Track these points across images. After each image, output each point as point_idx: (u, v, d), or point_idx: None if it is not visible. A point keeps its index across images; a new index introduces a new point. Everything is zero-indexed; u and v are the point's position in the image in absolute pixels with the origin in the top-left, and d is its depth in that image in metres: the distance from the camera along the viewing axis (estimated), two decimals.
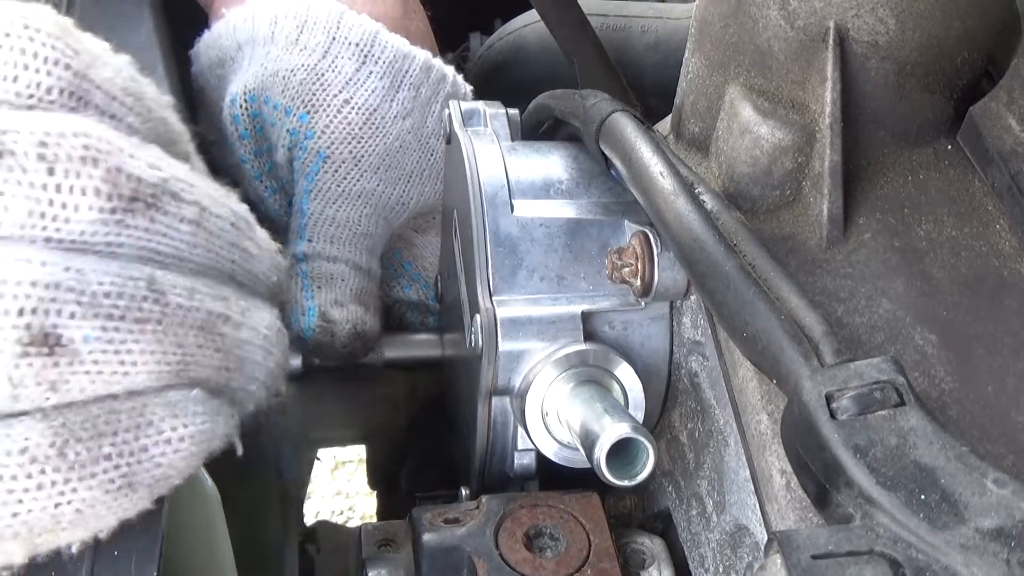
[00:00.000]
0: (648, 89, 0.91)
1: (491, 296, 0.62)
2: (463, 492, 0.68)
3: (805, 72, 0.55)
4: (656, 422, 0.66)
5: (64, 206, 0.41)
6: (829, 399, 0.44)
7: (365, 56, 0.75)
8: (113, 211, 0.42)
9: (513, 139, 0.71)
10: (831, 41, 0.54)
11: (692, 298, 0.61)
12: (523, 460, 0.65)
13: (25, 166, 0.40)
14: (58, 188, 0.40)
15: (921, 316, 0.52)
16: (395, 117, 0.76)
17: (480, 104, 0.73)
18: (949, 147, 0.58)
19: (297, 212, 0.76)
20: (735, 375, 0.54)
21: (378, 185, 0.76)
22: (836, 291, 0.53)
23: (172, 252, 0.44)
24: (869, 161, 0.57)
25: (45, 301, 0.39)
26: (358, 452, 2.72)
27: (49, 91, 0.42)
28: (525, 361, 0.61)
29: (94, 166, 0.41)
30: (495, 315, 0.61)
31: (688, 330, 0.61)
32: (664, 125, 0.69)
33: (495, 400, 0.63)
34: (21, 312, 0.39)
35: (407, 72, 0.77)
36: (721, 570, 0.57)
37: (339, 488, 2.69)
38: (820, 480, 0.44)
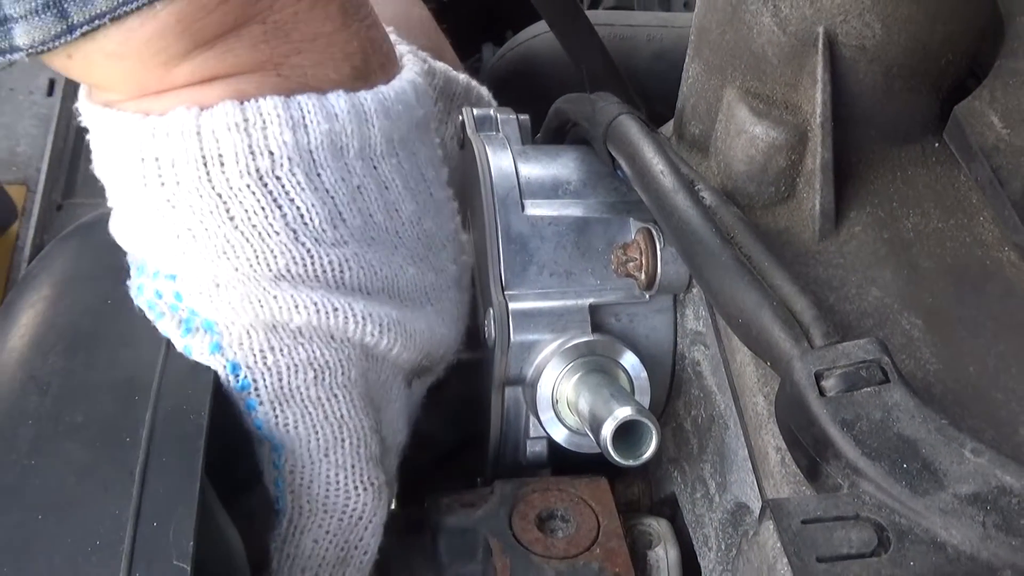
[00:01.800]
0: (653, 95, 0.94)
1: (503, 291, 0.65)
2: (478, 481, 0.71)
3: (797, 75, 0.59)
4: (662, 411, 0.69)
5: None
6: (818, 378, 0.47)
7: None
8: None
9: (524, 143, 0.74)
10: (821, 45, 0.57)
11: (694, 291, 0.64)
12: (535, 448, 0.68)
13: None
14: None
15: (908, 302, 0.55)
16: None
17: (492, 110, 0.77)
18: (935, 144, 0.61)
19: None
20: (733, 361, 0.57)
21: None
22: (828, 280, 0.56)
23: None
24: (859, 158, 0.60)
25: None
26: None
27: None
28: (536, 352, 0.64)
29: None
30: (508, 308, 0.64)
31: (690, 321, 0.65)
32: (667, 128, 0.72)
33: (508, 390, 0.66)
34: None
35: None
36: (723, 547, 0.60)
37: None
38: (811, 453, 0.47)
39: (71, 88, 0.87)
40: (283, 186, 0.51)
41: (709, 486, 0.62)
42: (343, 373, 0.55)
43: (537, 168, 0.70)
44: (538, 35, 1.02)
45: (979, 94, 0.59)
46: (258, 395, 0.54)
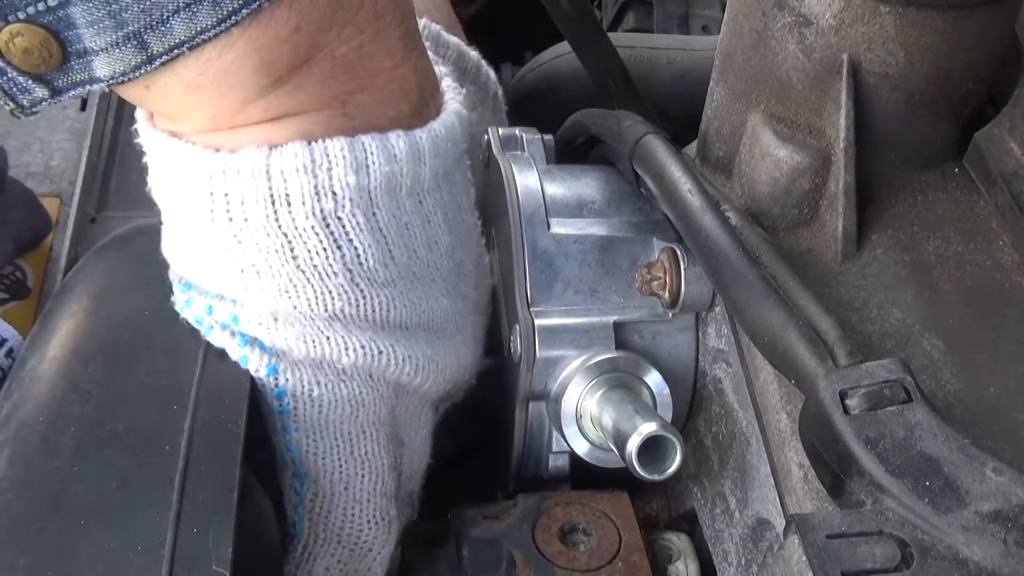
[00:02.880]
0: (673, 117, 0.96)
1: (529, 307, 0.66)
2: (499, 496, 0.72)
3: (821, 100, 0.60)
4: (682, 428, 0.70)
5: None
6: (843, 396, 0.48)
7: None
8: None
9: (548, 162, 0.76)
10: (845, 72, 0.58)
11: (716, 309, 0.65)
12: (557, 462, 0.70)
13: None
14: None
15: (929, 324, 0.56)
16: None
17: (517, 130, 0.78)
18: (956, 170, 0.62)
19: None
20: (756, 379, 0.58)
21: None
22: (850, 301, 0.58)
23: None
24: (881, 182, 0.61)
25: None
26: None
27: None
28: (560, 367, 0.65)
29: None
30: (533, 324, 0.65)
31: (712, 339, 0.66)
32: (690, 150, 0.74)
33: (532, 405, 0.68)
34: None
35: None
36: (744, 562, 0.61)
37: None
38: (835, 470, 0.48)
39: (104, 104, 0.88)
40: (344, 227, 0.52)
41: (729, 502, 0.63)
42: (375, 411, 0.57)
43: (562, 188, 0.71)
44: (559, 56, 1.04)
45: (999, 121, 0.61)
46: (296, 422, 0.55)
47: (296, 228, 0.51)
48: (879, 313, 0.57)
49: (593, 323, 0.66)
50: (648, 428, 0.56)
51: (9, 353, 0.67)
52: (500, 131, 0.78)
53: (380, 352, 0.56)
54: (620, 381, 0.64)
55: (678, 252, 0.64)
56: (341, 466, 0.57)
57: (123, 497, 0.49)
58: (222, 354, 0.55)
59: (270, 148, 0.50)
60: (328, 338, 0.54)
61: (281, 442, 0.56)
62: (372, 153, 0.51)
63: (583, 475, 0.70)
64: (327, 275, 0.53)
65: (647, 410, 0.60)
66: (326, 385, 0.55)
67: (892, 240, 0.60)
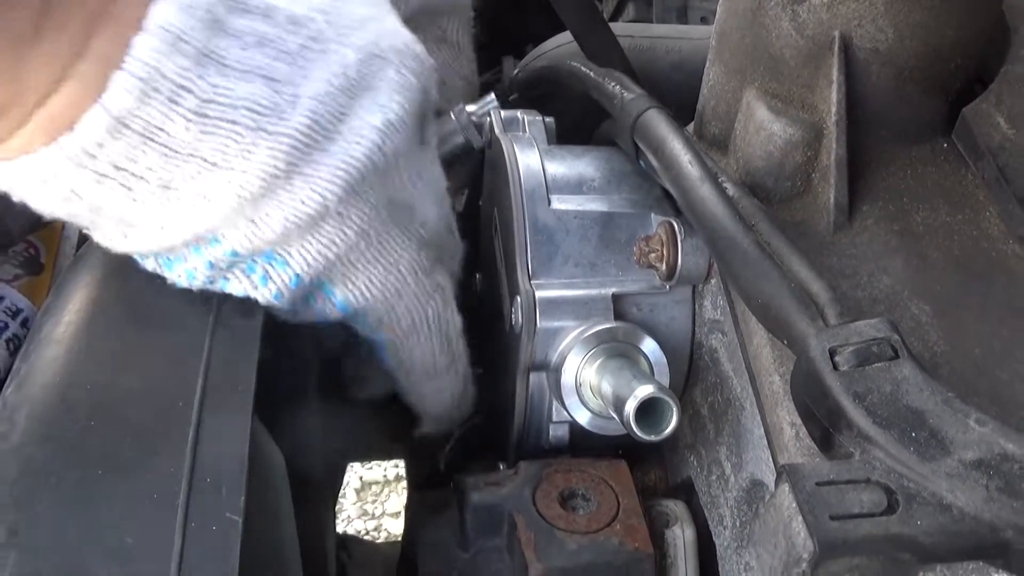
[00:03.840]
0: (671, 104, 0.97)
1: (530, 280, 0.68)
2: (501, 467, 0.74)
3: (814, 76, 0.62)
4: (680, 399, 0.72)
5: None
6: (832, 354, 0.50)
7: None
8: None
9: (549, 143, 0.78)
10: (836, 48, 0.60)
11: (712, 282, 0.67)
12: (557, 432, 0.71)
13: None
14: None
15: (917, 290, 0.58)
16: None
17: (519, 112, 0.80)
18: (945, 144, 0.64)
19: None
20: (750, 344, 0.60)
21: None
22: (842, 269, 0.59)
23: None
24: (872, 156, 0.63)
25: None
26: (384, 473, 2.78)
27: None
28: (560, 338, 0.67)
29: None
30: (534, 296, 0.67)
31: (708, 311, 0.68)
32: (687, 130, 0.76)
33: (532, 376, 0.69)
34: None
35: None
36: (739, 524, 0.63)
37: (366, 509, 2.72)
38: (824, 425, 0.50)
39: None
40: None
41: (724, 467, 0.65)
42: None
43: (563, 166, 0.73)
44: (561, 45, 1.06)
45: (986, 97, 0.63)
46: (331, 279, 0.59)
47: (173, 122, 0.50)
48: (869, 280, 0.59)
49: (592, 295, 0.68)
50: (645, 390, 0.58)
51: (24, 323, 0.69)
52: (502, 113, 0.80)
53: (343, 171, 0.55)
54: (618, 350, 0.66)
55: (675, 225, 0.66)
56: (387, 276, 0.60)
57: (138, 450, 0.51)
58: (232, 313, 0.57)
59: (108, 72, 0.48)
60: (295, 193, 0.54)
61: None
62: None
63: (583, 447, 0.71)
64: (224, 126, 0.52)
65: (644, 375, 0.62)
66: (320, 236, 0.56)
67: (882, 211, 0.62)
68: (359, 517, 2.72)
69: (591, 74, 0.75)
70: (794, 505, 0.46)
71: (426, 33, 0.73)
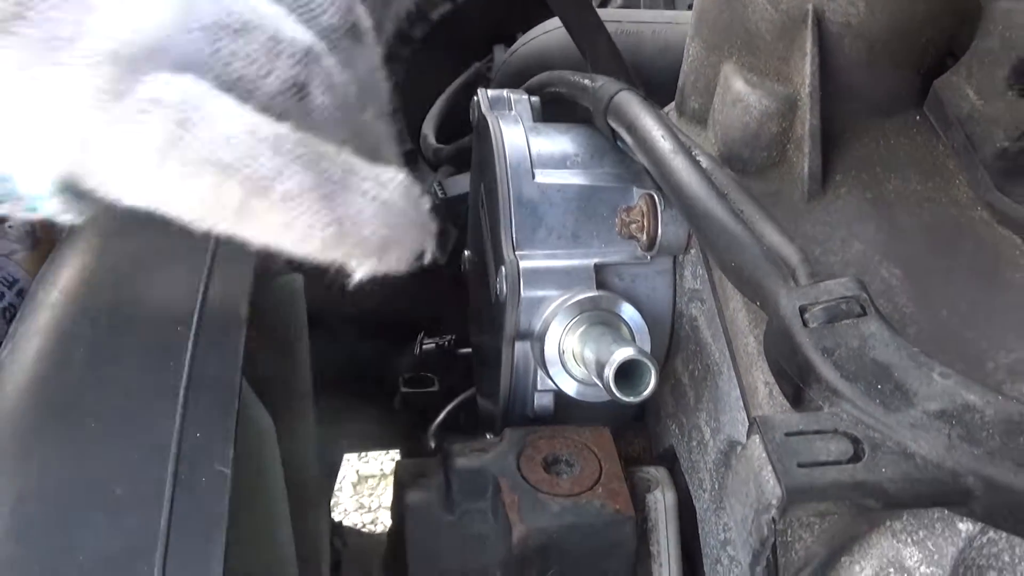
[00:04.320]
0: (656, 87, 0.99)
1: (514, 250, 0.70)
2: (488, 436, 0.76)
3: (788, 49, 0.64)
4: (662, 369, 0.73)
5: None
6: (802, 312, 0.51)
7: None
8: None
9: (535, 121, 0.79)
10: (810, 22, 0.62)
11: (692, 252, 0.69)
12: (542, 401, 0.73)
13: None
14: None
15: (887, 255, 0.59)
16: None
17: (505, 92, 0.82)
18: (917, 116, 0.66)
19: None
20: (727, 308, 0.62)
21: None
22: (815, 235, 0.61)
23: None
24: (845, 127, 0.65)
25: None
26: (381, 467, 2.79)
27: None
28: (544, 307, 0.69)
29: None
30: (518, 266, 0.69)
31: (688, 281, 0.69)
32: (668, 109, 0.78)
33: (517, 346, 0.71)
34: None
35: None
36: (717, 486, 0.65)
37: (362, 502, 2.73)
38: (795, 381, 0.52)
39: None
40: None
41: (704, 432, 0.67)
42: None
43: (547, 142, 0.75)
44: (549, 31, 1.07)
45: (956, 70, 0.64)
46: None
47: None
48: (842, 245, 0.60)
49: (575, 265, 0.70)
50: (624, 353, 0.60)
51: (19, 293, 0.71)
52: (489, 93, 0.82)
53: None
54: (600, 318, 0.67)
55: (655, 197, 0.68)
56: None
57: (131, 406, 0.52)
58: (221, 279, 0.59)
59: None
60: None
61: None
62: None
63: (567, 417, 0.73)
64: None
65: (625, 339, 0.64)
66: None
67: (855, 180, 0.63)
68: (356, 510, 2.73)
69: (564, 76, 0.77)
70: (764, 455, 0.47)
71: None
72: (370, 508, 2.73)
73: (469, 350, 0.98)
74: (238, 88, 0.48)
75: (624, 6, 1.24)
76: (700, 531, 0.67)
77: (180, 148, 0.44)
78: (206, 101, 0.45)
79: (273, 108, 0.49)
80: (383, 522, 2.63)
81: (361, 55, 0.53)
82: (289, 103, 0.49)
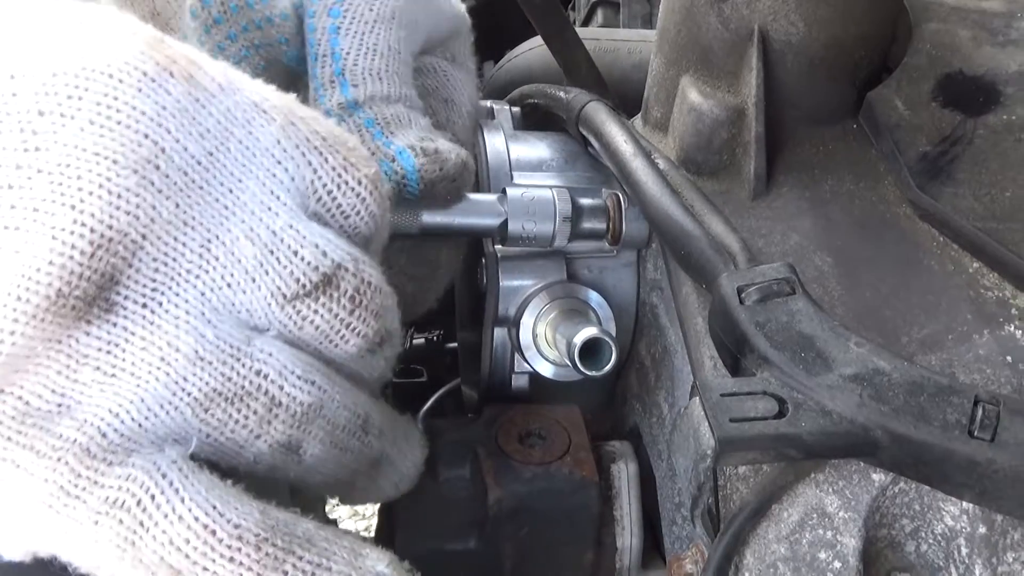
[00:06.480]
0: (632, 99, 1.07)
1: (494, 244, 0.78)
2: (469, 417, 0.83)
3: (737, 64, 0.72)
4: (627, 353, 0.81)
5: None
6: (740, 291, 0.59)
7: None
8: None
9: (515, 129, 0.87)
10: (756, 40, 0.70)
11: (653, 246, 0.76)
12: (519, 382, 0.80)
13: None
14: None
15: (821, 245, 0.67)
16: None
17: (489, 102, 0.90)
18: (853, 125, 0.74)
19: (324, 59, 0.63)
20: (680, 293, 0.69)
21: None
22: (758, 229, 0.69)
23: None
24: (788, 135, 0.73)
25: None
26: None
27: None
28: (520, 295, 0.76)
29: None
30: (498, 258, 0.76)
31: (651, 272, 0.77)
32: (636, 118, 0.85)
33: (496, 331, 0.78)
34: None
35: None
36: (670, 455, 0.72)
37: (355, 509, 2.76)
38: (733, 352, 0.59)
39: None
40: None
41: (663, 408, 0.74)
42: None
43: (525, 148, 0.83)
44: (532, 48, 1.15)
45: (888, 83, 0.72)
46: None
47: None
48: (781, 237, 0.68)
49: (548, 258, 0.77)
50: (588, 332, 0.67)
51: None
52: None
53: None
54: (569, 305, 0.75)
55: (620, 197, 0.75)
56: None
57: None
58: None
59: None
60: None
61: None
62: None
63: (542, 398, 0.80)
64: None
65: (590, 322, 0.71)
66: None
67: (796, 180, 0.71)
68: (350, 517, 2.76)
69: (543, 89, 0.85)
70: (701, 412, 0.55)
71: (437, 57, 0.74)
72: (364, 515, 2.76)
73: (455, 344, 1.06)
74: (224, 450, 0.48)
75: (603, 26, 1.33)
76: (659, 496, 0.75)
77: (133, 552, 0.44)
78: (168, 497, 0.45)
79: (260, 466, 0.50)
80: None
81: None
82: (278, 459, 0.50)
